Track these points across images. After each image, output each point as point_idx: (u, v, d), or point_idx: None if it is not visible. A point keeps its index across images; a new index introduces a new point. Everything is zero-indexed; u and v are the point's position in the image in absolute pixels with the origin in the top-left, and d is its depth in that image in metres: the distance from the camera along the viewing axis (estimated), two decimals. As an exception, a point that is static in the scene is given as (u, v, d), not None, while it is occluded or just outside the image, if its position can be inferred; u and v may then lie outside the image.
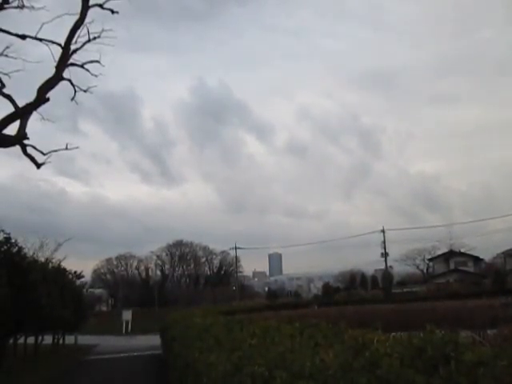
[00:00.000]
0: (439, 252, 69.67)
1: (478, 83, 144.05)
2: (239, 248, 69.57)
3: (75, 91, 14.24)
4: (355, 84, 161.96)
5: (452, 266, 63.27)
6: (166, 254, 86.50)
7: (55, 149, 14.63)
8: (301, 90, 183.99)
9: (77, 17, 13.03)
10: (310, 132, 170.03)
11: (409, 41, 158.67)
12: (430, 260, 72.29)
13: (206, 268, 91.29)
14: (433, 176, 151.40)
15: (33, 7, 12.96)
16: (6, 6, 12.66)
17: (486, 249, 71.80)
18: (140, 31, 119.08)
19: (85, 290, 31.13)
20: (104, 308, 76.66)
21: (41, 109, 13.69)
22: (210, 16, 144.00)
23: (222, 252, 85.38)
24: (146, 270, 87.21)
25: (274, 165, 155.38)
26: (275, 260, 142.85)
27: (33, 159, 14.23)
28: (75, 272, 24.78)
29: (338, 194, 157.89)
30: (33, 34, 13.47)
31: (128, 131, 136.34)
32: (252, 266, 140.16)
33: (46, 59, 13.81)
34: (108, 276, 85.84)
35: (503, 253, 60.36)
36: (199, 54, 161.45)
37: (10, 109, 13.32)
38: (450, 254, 65.78)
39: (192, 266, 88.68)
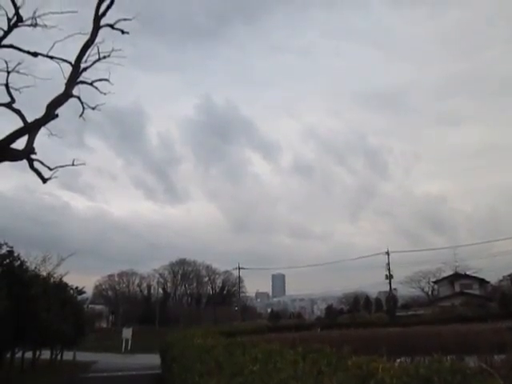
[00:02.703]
0: (444, 274, 68.94)
1: (484, 104, 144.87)
2: (242, 268, 69.16)
3: (83, 108, 14.42)
4: (361, 104, 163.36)
5: (457, 289, 62.42)
6: (169, 272, 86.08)
7: (61, 164, 14.73)
8: (307, 109, 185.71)
9: (88, 36, 13.28)
10: (315, 152, 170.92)
11: (414, 62, 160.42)
12: (435, 282, 71.43)
13: (209, 287, 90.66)
14: (438, 197, 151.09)
15: (45, 26, 13.24)
16: (19, 24, 12.93)
17: (492, 271, 71.05)
18: (148, 49, 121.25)
19: (85, 306, 30.93)
20: (104, 325, 75.92)
21: (49, 124, 13.83)
22: (217, 35, 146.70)
23: (225, 272, 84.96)
24: (148, 287, 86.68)
25: (279, 184, 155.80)
26: (278, 281, 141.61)
27: (39, 174, 14.31)
28: (76, 287, 24.66)
29: (343, 215, 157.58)
30: (44, 51, 13.74)
31: (134, 147, 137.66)
32: (255, 286, 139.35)
33: (55, 76, 14.05)
34: (109, 292, 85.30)
35: (509, 275, 59.61)
36: (206, 72, 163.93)
37: (19, 123, 13.48)
38: (455, 277, 64.98)
39: (194, 284, 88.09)
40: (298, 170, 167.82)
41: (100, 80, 14.09)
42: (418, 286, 75.47)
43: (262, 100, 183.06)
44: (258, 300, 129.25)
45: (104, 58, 13.63)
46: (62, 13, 13.14)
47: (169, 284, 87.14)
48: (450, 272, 67.33)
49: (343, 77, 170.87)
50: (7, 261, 12.93)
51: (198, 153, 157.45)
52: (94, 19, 13.42)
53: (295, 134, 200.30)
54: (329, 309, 69.56)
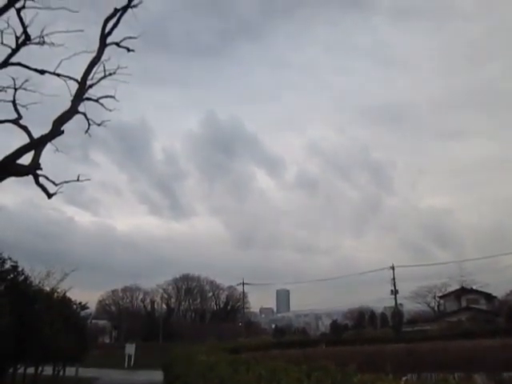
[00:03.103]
0: (450, 289, 68.21)
1: (488, 117, 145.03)
2: (246, 284, 68.76)
3: (89, 124, 14.56)
4: (365, 119, 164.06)
5: (464, 304, 61.68)
6: (173, 288, 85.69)
7: (66, 179, 14.80)
8: (311, 125, 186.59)
9: (94, 54, 13.50)
10: (320, 166, 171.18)
11: (417, 76, 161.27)
12: (441, 297, 70.66)
13: (213, 303, 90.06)
14: (443, 211, 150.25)
15: (53, 44, 13.47)
16: (27, 42, 13.17)
17: (499, 286, 70.22)
18: (153, 65, 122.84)
19: (89, 322, 30.78)
20: (107, 340, 75.38)
21: (55, 140, 13.96)
22: (221, 51, 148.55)
23: (229, 287, 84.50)
24: (152, 303, 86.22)
25: (283, 199, 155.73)
26: (283, 296, 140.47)
27: (44, 189, 14.38)
28: (80, 303, 24.60)
29: (348, 230, 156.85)
30: (51, 69, 13.96)
31: (138, 162, 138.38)
32: (259, 301, 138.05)
33: (62, 93, 14.22)
34: (113, 307, 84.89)
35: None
36: (210, 88, 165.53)
37: (26, 139, 13.62)
38: (462, 292, 64.28)
39: (198, 300, 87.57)
40: (303, 185, 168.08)
41: (106, 97, 14.26)
42: (424, 301, 74.67)
43: (265, 115, 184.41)
44: (263, 316, 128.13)
45: (110, 75, 13.82)
46: (68, 32, 13.40)
47: (172, 299, 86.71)
48: (456, 287, 66.69)
49: (346, 92, 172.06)
50: (11, 276, 12.96)
51: (202, 168, 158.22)
52: (101, 38, 13.66)
53: (299, 149, 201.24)
54: (334, 324, 68.98)
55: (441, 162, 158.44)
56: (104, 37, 13.73)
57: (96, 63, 13.55)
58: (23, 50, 13.54)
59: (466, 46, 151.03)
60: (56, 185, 14.39)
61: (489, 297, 63.12)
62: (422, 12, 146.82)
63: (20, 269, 13.06)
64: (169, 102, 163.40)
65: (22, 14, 12.89)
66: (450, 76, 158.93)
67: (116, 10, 13.81)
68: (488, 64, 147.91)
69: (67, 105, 13.54)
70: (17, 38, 13.24)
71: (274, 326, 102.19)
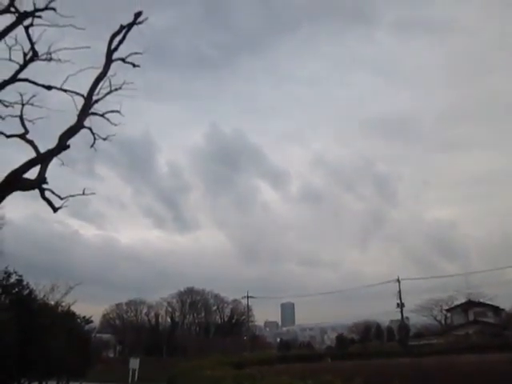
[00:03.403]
0: (457, 302, 67.42)
1: (493, 129, 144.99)
2: (251, 297, 68.36)
3: (95, 139, 14.70)
4: (369, 131, 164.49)
5: (471, 317, 60.90)
6: (177, 301, 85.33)
7: (72, 193, 14.85)
8: (315, 137, 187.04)
9: (100, 70, 13.70)
10: (324, 179, 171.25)
11: (421, 88, 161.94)
12: (448, 311, 69.82)
13: (217, 316, 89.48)
14: (449, 223, 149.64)
15: (60, 60, 13.69)
16: (35, 58, 13.40)
17: (507, 298, 69.36)
18: (158, 79, 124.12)
19: (93, 336, 30.65)
20: (111, 354, 74.93)
21: (60, 154, 14.08)
22: (224, 65, 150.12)
23: (234, 300, 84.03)
24: (156, 316, 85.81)
25: (288, 212, 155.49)
26: (288, 310, 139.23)
27: (50, 203, 14.45)
28: (84, 317, 24.57)
29: (353, 242, 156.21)
30: (58, 84, 14.16)
31: (143, 176, 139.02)
32: (264, 315, 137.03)
33: (68, 107, 14.40)
34: (117, 321, 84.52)
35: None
36: (214, 102, 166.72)
37: (32, 153, 13.76)
38: (469, 305, 63.52)
39: (203, 314, 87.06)
40: (307, 198, 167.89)
41: (111, 112, 14.42)
42: (431, 314, 73.80)
43: (270, 128, 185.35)
44: (267, 329, 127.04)
45: (115, 90, 14.00)
46: (75, 48, 13.63)
47: (177, 313, 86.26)
48: (462, 300, 65.93)
49: (350, 105, 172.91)
50: (16, 290, 13.03)
51: (206, 181, 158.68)
52: (107, 54, 13.86)
53: (304, 162, 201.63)
54: (339, 338, 68.33)
55: (446, 173, 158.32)
56: (110, 53, 13.94)
57: (102, 79, 13.74)
58: (30, 65, 13.77)
59: (469, 57, 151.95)
60: (61, 199, 14.46)
61: (496, 310, 62.32)
62: (425, 26, 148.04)
63: (25, 283, 13.15)
64: (173, 115, 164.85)
65: (29, 31, 13.15)
66: (453, 88, 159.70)
67: (122, 27, 14.04)
68: (491, 76, 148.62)
69: (73, 119, 13.69)
70: (24, 55, 13.48)
71: (278, 339, 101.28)
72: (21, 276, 13.00)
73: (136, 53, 14.44)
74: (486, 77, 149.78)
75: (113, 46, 14.04)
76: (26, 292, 13.41)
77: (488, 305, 62.90)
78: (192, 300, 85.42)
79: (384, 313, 72.10)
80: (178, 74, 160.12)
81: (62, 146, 13.21)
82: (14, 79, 13.38)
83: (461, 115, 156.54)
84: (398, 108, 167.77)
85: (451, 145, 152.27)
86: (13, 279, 13.09)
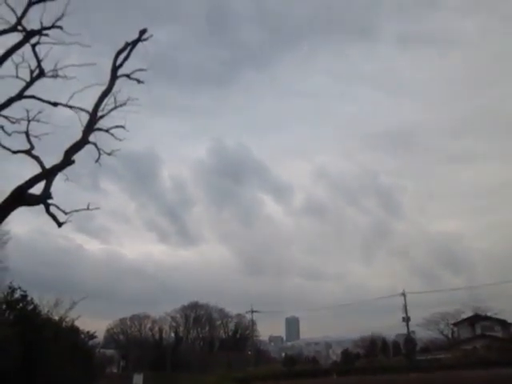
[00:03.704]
0: (464, 316, 66.69)
1: (497, 141, 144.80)
2: (255, 311, 67.90)
3: (99, 154, 14.80)
4: (372, 144, 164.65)
5: (478, 331, 60.14)
6: (181, 316, 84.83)
7: (76, 207, 14.85)
8: (318, 151, 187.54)
9: (105, 86, 13.87)
10: (328, 192, 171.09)
11: (424, 101, 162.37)
12: (455, 324, 68.99)
13: (221, 331, 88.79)
14: (454, 236, 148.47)
15: (66, 76, 13.89)
16: (41, 76, 13.61)
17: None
18: (162, 94, 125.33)
19: (97, 351, 30.47)
20: (115, 370, 74.30)
21: (65, 169, 14.18)
22: (227, 80, 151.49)
23: (238, 315, 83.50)
24: (160, 331, 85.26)
25: (291, 225, 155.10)
26: (292, 324, 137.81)
27: (55, 218, 14.50)
28: (88, 332, 24.50)
29: (357, 256, 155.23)
30: (63, 100, 14.32)
31: (147, 190, 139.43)
32: (268, 329, 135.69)
33: (73, 123, 14.56)
34: (121, 336, 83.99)
35: (532, 317, 57.35)
36: (217, 116, 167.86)
37: (37, 169, 13.87)
38: (476, 318, 62.78)
39: (207, 328, 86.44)
40: (311, 211, 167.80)
41: (116, 127, 14.54)
42: (437, 328, 72.93)
43: (273, 142, 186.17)
44: (272, 344, 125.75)
45: (120, 106, 14.13)
46: (81, 65, 13.84)
47: (181, 328, 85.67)
48: (469, 313, 65.22)
49: (353, 118, 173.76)
50: (20, 305, 13.02)
51: (210, 195, 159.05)
52: (112, 70, 14.03)
53: (307, 175, 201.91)
54: (345, 353, 67.51)
55: (449, 186, 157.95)
56: (115, 69, 14.12)
57: (107, 95, 13.90)
58: (37, 82, 13.98)
59: (470, 70, 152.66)
60: (66, 214, 14.51)
61: (504, 324, 61.53)
62: (426, 40, 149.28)
63: (29, 298, 13.14)
64: (177, 130, 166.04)
65: (36, 49, 13.38)
66: (456, 101, 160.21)
67: (127, 44, 14.25)
68: (493, 88, 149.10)
69: (78, 135, 13.81)
70: (31, 72, 13.69)
71: (283, 354, 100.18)
72: (25, 291, 13.02)
73: (141, 69, 14.63)
74: (488, 89, 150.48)
75: (118, 63, 14.22)
76: (30, 307, 13.43)
77: (495, 319, 62.14)
78: (196, 314, 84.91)
79: (390, 327, 71.50)
80: (182, 89, 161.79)
81: (67, 161, 13.31)
82: (20, 96, 13.58)
83: (463, 128, 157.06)
84: (400, 121, 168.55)
85: (454, 157, 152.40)
86: (17, 295, 13.10)
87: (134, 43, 14.33)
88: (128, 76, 14.46)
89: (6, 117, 13.91)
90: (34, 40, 13.30)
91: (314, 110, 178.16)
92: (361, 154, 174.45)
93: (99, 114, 14.02)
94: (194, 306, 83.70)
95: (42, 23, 13.11)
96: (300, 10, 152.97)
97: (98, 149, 14.74)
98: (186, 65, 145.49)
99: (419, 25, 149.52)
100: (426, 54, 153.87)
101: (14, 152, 14.58)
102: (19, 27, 12.98)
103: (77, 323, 22.09)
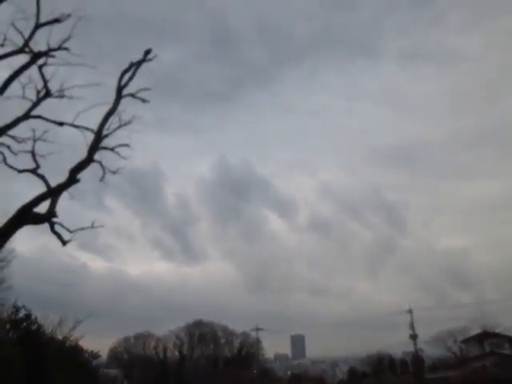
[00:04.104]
0: (472, 333, 65.55)
1: (499, 155, 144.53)
2: (260, 329, 67.22)
3: (104, 173, 14.91)
4: (376, 160, 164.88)
5: (487, 348, 59.06)
6: (185, 334, 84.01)
7: (81, 225, 14.93)
8: (322, 167, 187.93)
9: (110, 106, 14.06)
10: (332, 208, 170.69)
11: (427, 117, 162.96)
12: (463, 342, 67.83)
13: (226, 349, 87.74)
14: (460, 251, 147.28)
15: (71, 96, 14.12)
16: (48, 96, 13.84)
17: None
18: (166, 112, 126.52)
19: (100, 370, 30.16)
20: (118, 390, 73.41)
21: (70, 188, 14.28)
22: (231, 98, 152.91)
23: (243, 333, 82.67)
24: (164, 350, 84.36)
25: (296, 242, 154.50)
26: (298, 342, 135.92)
27: (59, 237, 14.56)
28: (92, 351, 24.30)
29: (363, 272, 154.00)
30: (68, 120, 14.52)
31: (151, 207, 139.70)
32: (274, 347, 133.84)
33: (78, 142, 14.70)
34: (125, 355, 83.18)
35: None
36: (221, 133, 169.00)
37: (43, 188, 13.98)
38: (484, 335, 61.73)
39: (211, 346, 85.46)
40: (316, 227, 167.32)
41: (121, 145, 14.68)
42: (445, 345, 71.74)
43: (276, 158, 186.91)
44: (277, 362, 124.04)
45: (125, 124, 14.30)
46: (86, 85, 14.07)
47: (185, 346, 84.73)
48: (477, 330, 64.16)
49: (356, 134, 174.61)
50: (24, 324, 12.97)
51: (214, 212, 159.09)
52: (117, 90, 14.25)
53: (311, 191, 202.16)
54: (351, 371, 66.43)
55: (455, 201, 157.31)
56: (120, 89, 14.33)
57: (112, 114, 14.07)
58: (43, 102, 14.20)
59: (475, 86, 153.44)
60: (71, 232, 14.57)
61: (513, 340, 60.47)
62: (428, 55, 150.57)
63: (33, 317, 13.10)
64: (181, 147, 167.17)
65: (43, 70, 13.63)
66: (460, 116, 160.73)
67: (132, 64, 14.49)
68: (499, 103, 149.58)
69: (83, 154, 13.95)
70: (38, 93, 13.92)
71: (289, 373, 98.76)
72: (29, 310, 13.01)
73: (145, 88, 14.84)
74: (491, 104, 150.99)
75: (123, 83, 14.44)
76: (34, 327, 13.40)
77: (504, 335, 61.11)
78: (200, 332, 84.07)
79: (396, 344, 70.39)
80: (186, 107, 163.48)
81: (72, 180, 13.42)
82: (27, 116, 13.78)
83: (468, 142, 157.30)
84: (403, 136, 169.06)
85: (459, 172, 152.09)
86: (21, 314, 13.08)
87: (139, 63, 14.58)
88: (133, 95, 14.66)
89: (12, 137, 14.10)
90: (40, 61, 13.57)
91: (317, 126, 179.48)
92: (364, 170, 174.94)
93: (104, 132, 14.17)
94: (199, 324, 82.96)
95: (48, 45, 13.39)
96: (302, 29, 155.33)
97: (103, 167, 14.86)
98: (190, 83, 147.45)
99: (420, 42, 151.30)
100: (427, 70, 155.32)
101: (20, 171, 14.72)
102: (26, 49, 13.25)
103: (81, 342, 22.02)
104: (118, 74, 14.48)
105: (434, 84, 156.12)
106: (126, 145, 14.72)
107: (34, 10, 13.06)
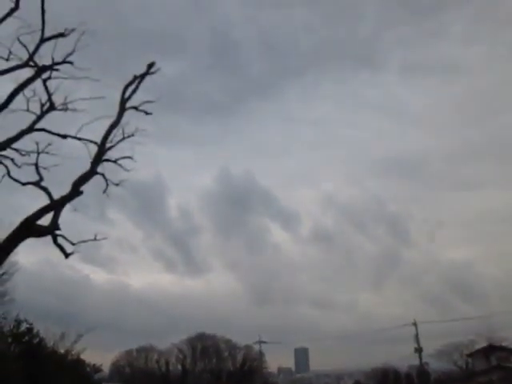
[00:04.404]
0: (478, 346, 64.62)
1: (503, 167, 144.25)
2: (263, 342, 66.51)
3: (107, 185, 14.93)
4: (380, 171, 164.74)
5: (493, 362, 58.17)
6: (188, 347, 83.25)
7: (83, 238, 14.91)
8: (325, 178, 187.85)
9: (113, 118, 14.14)
10: (335, 220, 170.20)
11: (430, 128, 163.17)
12: (469, 356, 66.84)
13: (229, 363, 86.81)
14: (465, 263, 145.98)
15: (75, 109, 14.22)
16: (52, 109, 13.92)
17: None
18: (168, 124, 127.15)
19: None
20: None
21: (73, 200, 14.27)
22: (234, 109, 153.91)
23: (246, 346, 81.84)
24: (167, 363, 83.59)
25: (299, 253, 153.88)
26: (301, 355, 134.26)
27: (62, 249, 14.51)
28: (94, 365, 24.07)
29: (367, 284, 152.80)
30: (72, 132, 14.60)
31: (154, 219, 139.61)
32: (277, 360, 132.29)
33: (81, 154, 14.74)
34: (127, 369, 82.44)
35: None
36: (224, 145, 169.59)
37: (46, 200, 13.97)
38: (490, 349, 60.83)
39: (214, 360, 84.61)
40: (319, 239, 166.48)
41: (124, 158, 14.73)
42: (451, 359, 70.74)
43: (279, 170, 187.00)
44: (281, 376, 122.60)
45: (128, 137, 14.37)
46: (90, 99, 14.17)
47: (188, 359, 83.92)
48: (483, 343, 63.26)
49: (359, 145, 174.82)
50: (26, 338, 12.87)
51: (217, 224, 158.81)
52: (120, 103, 14.34)
53: (314, 203, 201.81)
54: (356, 385, 65.41)
55: (459, 212, 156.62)
56: (123, 102, 14.42)
57: (115, 127, 14.14)
58: (47, 115, 14.28)
59: (477, 97, 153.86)
60: (73, 244, 14.53)
61: (520, 354, 59.57)
62: (431, 67, 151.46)
63: (35, 331, 13.01)
64: (184, 159, 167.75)
65: (47, 83, 13.73)
66: (464, 127, 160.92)
67: (135, 77, 14.61)
68: (503, 114, 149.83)
69: (86, 166, 13.98)
70: (42, 106, 14.02)
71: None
72: (31, 324, 12.92)
73: (148, 101, 14.94)
74: (496, 115, 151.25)
75: (126, 96, 14.54)
76: (36, 340, 13.27)
77: (511, 349, 60.28)
78: (203, 346, 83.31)
79: (402, 357, 69.33)
80: (189, 119, 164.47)
81: (75, 192, 13.43)
82: (31, 129, 13.85)
83: (471, 154, 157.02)
84: (407, 147, 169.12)
85: (462, 184, 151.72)
86: (23, 327, 12.97)
87: (142, 76, 14.69)
88: (136, 108, 14.75)
89: (16, 149, 14.16)
90: (45, 75, 13.69)
91: (320, 137, 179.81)
92: (367, 181, 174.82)
93: (107, 145, 14.22)
94: (201, 337, 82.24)
95: (53, 59, 13.52)
96: (304, 42, 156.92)
97: (106, 179, 14.88)
98: (194, 95, 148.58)
99: (422, 53, 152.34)
100: (432, 82, 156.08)
101: (24, 184, 14.75)
102: (31, 63, 13.38)
103: (82, 356, 21.85)
104: (122, 87, 14.59)
105: (435, 95, 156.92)
106: (129, 157, 14.77)
107: (39, 25, 13.21)
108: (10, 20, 13.14)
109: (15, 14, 13.05)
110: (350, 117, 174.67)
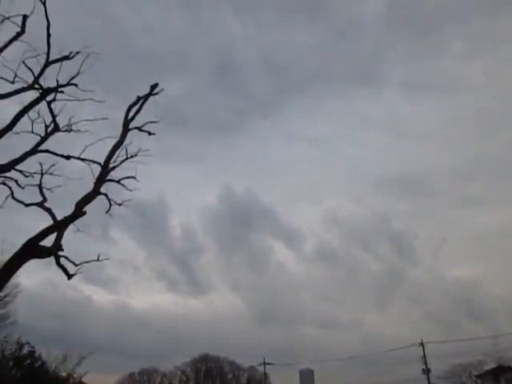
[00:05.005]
0: (487, 367, 63.28)
1: (508, 184, 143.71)
2: (268, 363, 65.32)
3: (110, 205, 14.92)
4: (383, 189, 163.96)
5: (503, 383, 56.93)
6: (191, 369, 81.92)
7: (86, 258, 14.81)
8: (328, 196, 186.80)
9: (117, 139, 14.22)
10: (339, 237, 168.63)
11: (433, 145, 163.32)
12: (477, 377, 65.42)
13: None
14: (472, 282, 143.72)
15: (79, 130, 14.33)
16: (56, 131, 14.03)
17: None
18: (170, 142, 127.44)
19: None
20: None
21: (76, 221, 14.24)
22: (236, 127, 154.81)
23: (250, 367, 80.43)
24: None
25: (303, 272, 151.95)
26: (307, 377, 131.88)
27: (65, 270, 14.41)
28: (96, 389, 23.60)
29: (372, 303, 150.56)
30: (75, 153, 14.67)
31: (156, 238, 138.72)
32: (282, 382, 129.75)
33: (85, 175, 14.76)
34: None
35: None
36: (226, 163, 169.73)
37: (49, 221, 13.94)
38: (500, 370, 59.57)
39: (218, 382, 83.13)
40: (323, 257, 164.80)
41: (127, 178, 14.76)
42: (459, 380, 69.21)
43: (282, 188, 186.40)
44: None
45: (131, 157, 14.44)
46: (94, 120, 14.31)
47: (191, 382, 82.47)
48: (492, 364, 61.93)
49: (362, 163, 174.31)
50: (28, 361, 12.69)
51: (220, 242, 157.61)
52: (124, 123, 14.46)
53: (317, 220, 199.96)
54: (363, 408, 63.80)
55: (464, 230, 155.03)
56: (127, 123, 14.54)
57: (118, 147, 14.22)
58: (51, 136, 14.37)
59: (479, 114, 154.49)
60: (76, 265, 14.44)
61: (530, 374, 58.29)
62: (433, 85, 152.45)
63: (37, 354, 12.83)
64: (186, 177, 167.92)
65: (52, 105, 13.87)
66: (467, 143, 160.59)
67: (139, 98, 14.76)
68: (507, 130, 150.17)
69: (90, 186, 13.99)
70: (46, 127, 14.13)
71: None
72: (33, 347, 12.77)
73: (152, 121, 15.06)
74: (499, 131, 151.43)
75: (130, 116, 14.66)
76: (37, 364, 13.06)
77: (520, 369, 59.01)
78: (207, 367, 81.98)
79: (410, 379, 67.84)
80: (191, 138, 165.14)
81: (78, 213, 13.40)
82: (35, 151, 13.92)
83: (475, 171, 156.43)
84: (410, 165, 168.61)
85: (467, 201, 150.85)
86: (25, 350, 12.80)
87: (146, 97, 14.85)
88: (139, 128, 14.86)
89: (20, 171, 14.21)
90: (49, 97, 13.82)
91: (323, 154, 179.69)
92: (370, 198, 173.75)
93: (111, 165, 14.27)
94: (205, 359, 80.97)
95: (57, 81, 13.67)
96: (305, 61, 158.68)
97: (109, 199, 14.89)
98: (196, 114, 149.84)
99: (423, 71, 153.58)
100: (434, 99, 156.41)
101: (27, 205, 14.75)
102: (36, 85, 13.53)
103: (84, 379, 21.50)
104: (125, 108, 14.73)
105: (436, 112, 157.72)
106: (132, 177, 14.81)
107: (45, 48, 13.41)
108: (16, 44, 13.37)
109: (21, 37, 13.28)
110: (353, 134, 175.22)
